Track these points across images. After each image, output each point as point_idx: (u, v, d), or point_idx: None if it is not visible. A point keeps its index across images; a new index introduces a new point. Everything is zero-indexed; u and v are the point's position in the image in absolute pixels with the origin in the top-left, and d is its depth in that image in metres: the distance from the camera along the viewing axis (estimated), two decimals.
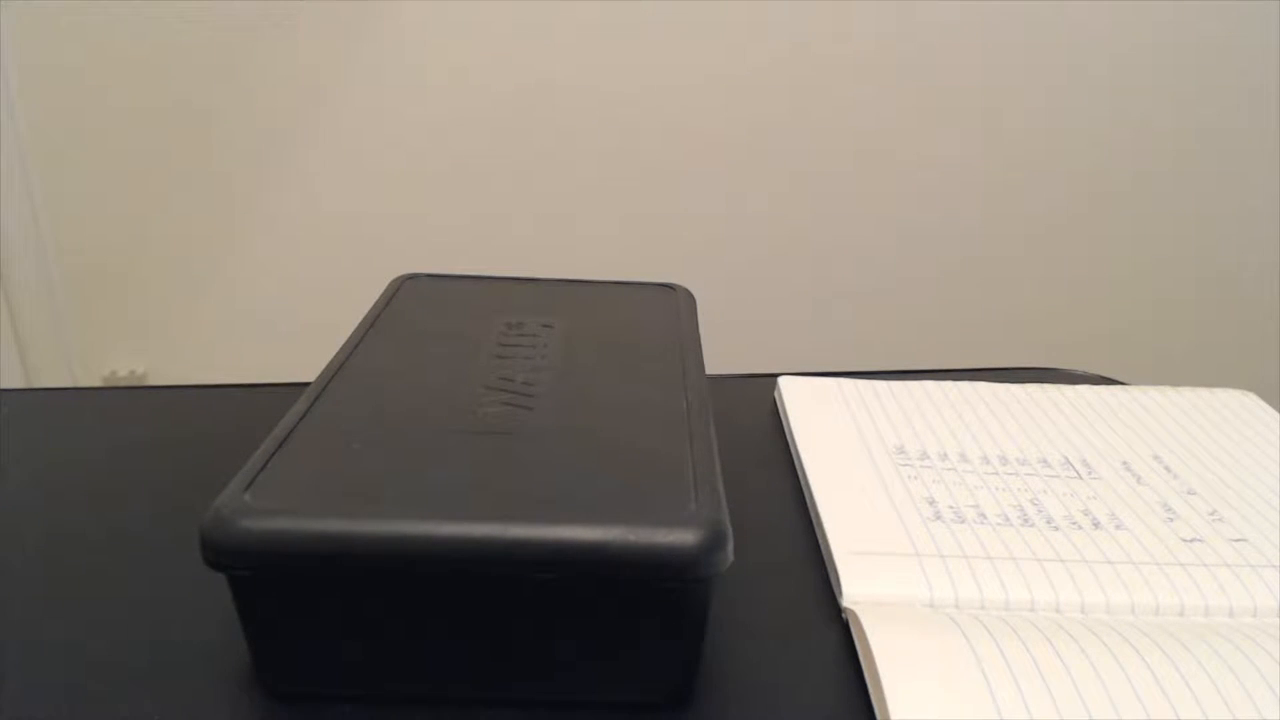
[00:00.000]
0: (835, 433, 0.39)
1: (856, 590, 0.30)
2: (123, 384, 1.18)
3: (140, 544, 0.32)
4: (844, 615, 0.29)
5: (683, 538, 0.23)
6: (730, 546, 0.24)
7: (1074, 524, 0.33)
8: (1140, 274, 1.25)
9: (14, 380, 1.10)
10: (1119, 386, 0.45)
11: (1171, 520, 0.34)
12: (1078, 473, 0.37)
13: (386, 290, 0.39)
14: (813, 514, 0.35)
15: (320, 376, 0.31)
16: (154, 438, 0.39)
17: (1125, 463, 0.38)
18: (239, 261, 1.17)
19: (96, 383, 1.19)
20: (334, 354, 0.33)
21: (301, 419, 0.28)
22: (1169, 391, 0.44)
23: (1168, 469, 0.38)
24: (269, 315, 1.19)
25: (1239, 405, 0.43)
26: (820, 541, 0.33)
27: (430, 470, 0.26)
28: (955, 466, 0.37)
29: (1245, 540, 0.33)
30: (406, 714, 0.25)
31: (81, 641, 0.27)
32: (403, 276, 0.41)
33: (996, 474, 0.37)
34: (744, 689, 0.27)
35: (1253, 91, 1.18)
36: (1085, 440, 0.40)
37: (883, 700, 0.25)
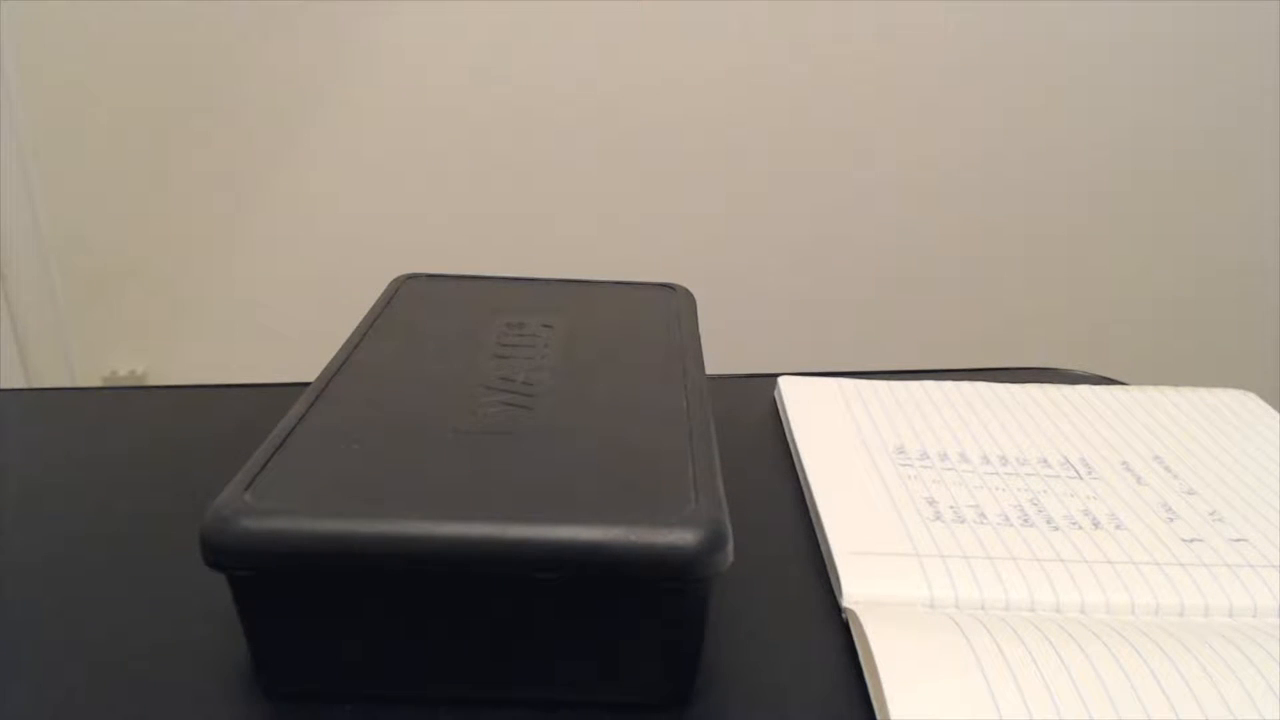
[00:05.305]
0: (835, 433, 0.39)
1: (856, 590, 0.30)
2: (123, 384, 1.18)
3: (140, 544, 0.32)
4: (844, 615, 0.29)
5: (683, 538, 0.23)
6: (730, 546, 0.24)
7: (1074, 524, 0.33)
8: (1140, 274, 1.25)
9: (14, 380, 1.10)
10: (1119, 386, 0.45)
11: (1171, 520, 0.34)
12: (1078, 473, 0.37)
13: (386, 290, 0.39)
14: (813, 514, 0.35)
15: (320, 376, 0.31)
16: (154, 438, 0.39)
17: (1125, 463, 0.38)
18: (239, 261, 1.17)
19: (96, 383, 1.19)
20: (334, 354, 0.33)
21: (301, 419, 0.28)
22: (1169, 391, 0.44)
23: (1168, 469, 0.38)
24: (269, 315, 1.19)
25: (1239, 405, 0.43)
26: (820, 541, 0.33)
27: (430, 470, 0.26)
28: (955, 466, 0.37)
29: (1245, 540, 0.33)
30: (406, 714, 0.25)
31: (81, 641, 0.27)
32: (403, 276, 0.41)
33: (996, 474, 0.37)
34: (744, 689, 0.27)
35: (1253, 91, 1.18)
36: (1085, 440, 0.40)
37: (883, 700, 0.25)
